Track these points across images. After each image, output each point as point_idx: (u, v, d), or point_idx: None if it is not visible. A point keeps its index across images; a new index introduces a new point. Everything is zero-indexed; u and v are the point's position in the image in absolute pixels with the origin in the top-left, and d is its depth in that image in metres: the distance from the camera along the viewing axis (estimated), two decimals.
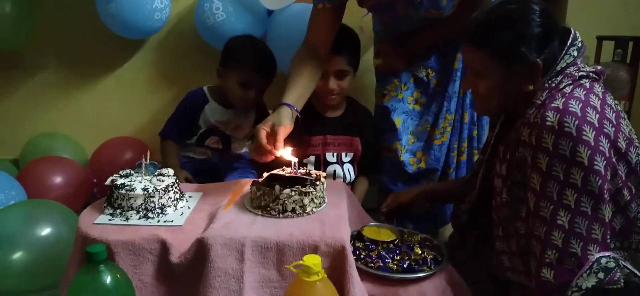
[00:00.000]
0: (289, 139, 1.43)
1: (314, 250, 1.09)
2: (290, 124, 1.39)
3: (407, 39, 1.75)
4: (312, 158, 1.81)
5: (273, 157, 1.34)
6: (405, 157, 1.78)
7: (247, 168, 1.89)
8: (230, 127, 1.87)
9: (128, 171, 1.31)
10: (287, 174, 1.26)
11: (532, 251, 1.05)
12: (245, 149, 1.93)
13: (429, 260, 1.22)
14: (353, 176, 1.85)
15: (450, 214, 1.91)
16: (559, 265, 1.00)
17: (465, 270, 1.24)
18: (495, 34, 1.10)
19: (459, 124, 1.81)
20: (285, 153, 1.33)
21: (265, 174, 1.27)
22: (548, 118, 1.01)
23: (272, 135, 1.34)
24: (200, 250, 1.09)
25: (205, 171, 1.85)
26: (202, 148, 1.87)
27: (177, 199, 1.28)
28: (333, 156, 1.83)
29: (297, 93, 1.49)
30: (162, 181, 1.26)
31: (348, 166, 1.84)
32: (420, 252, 1.26)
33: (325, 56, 1.62)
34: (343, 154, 1.83)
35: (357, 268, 1.12)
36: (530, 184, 1.04)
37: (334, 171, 1.82)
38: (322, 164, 1.81)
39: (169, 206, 1.24)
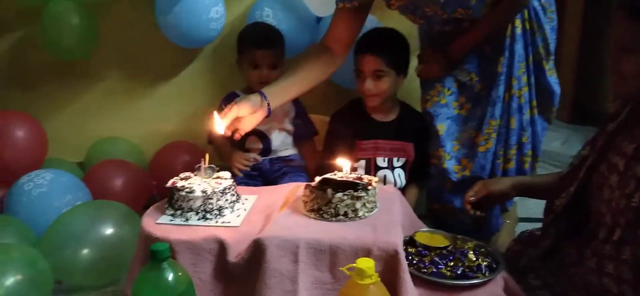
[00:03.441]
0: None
1: (367, 253, 1.09)
2: (250, 106, 1.48)
3: (448, 44, 1.72)
4: (362, 162, 1.81)
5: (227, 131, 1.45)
6: (449, 164, 1.74)
7: (297, 171, 1.93)
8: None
9: (188, 174, 1.36)
10: (338, 179, 1.28)
11: None
12: (291, 152, 1.96)
13: (483, 267, 1.20)
14: (403, 182, 1.84)
15: (498, 224, 1.84)
16: None
17: (529, 279, 1.18)
18: None
19: (504, 130, 1.75)
20: (220, 123, 1.43)
21: (317, 178, 1.29)
22: None
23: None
24: (257, 251, 1.12)
25: (257, 176, 1.91)
26: (246, 153, 1.92)
27: (233, 201, 1.32)
28: (384, 161, 1.82)
29: (282, 84, 1.59)
30: (220, 183, 1.30)
31: (399, 171, 1.83)
32: (474, 259, 1.23)
33: (340, 53, 1.66)
34: (394, 159, 1.82)
35: (410, 273, 1.11)
36: None
37: (384, 176, 1.81)
38: (372, 168, 1.81)
39: (226, 208, 1.28)
